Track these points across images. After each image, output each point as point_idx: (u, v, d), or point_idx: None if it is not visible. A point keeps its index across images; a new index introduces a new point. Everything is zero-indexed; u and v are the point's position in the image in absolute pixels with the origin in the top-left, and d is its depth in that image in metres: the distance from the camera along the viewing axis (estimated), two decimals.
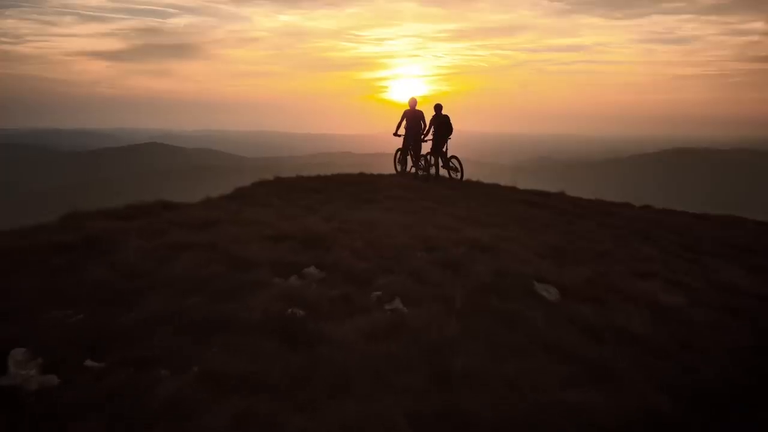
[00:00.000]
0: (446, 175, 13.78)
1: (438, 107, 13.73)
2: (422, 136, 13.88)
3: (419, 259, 5.22)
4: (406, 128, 13.88)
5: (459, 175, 13.69)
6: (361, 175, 13.46)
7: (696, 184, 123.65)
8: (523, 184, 14.32)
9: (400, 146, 14.22)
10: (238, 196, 9.27)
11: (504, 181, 14.73)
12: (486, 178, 14.77)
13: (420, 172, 13.98)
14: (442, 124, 13.68)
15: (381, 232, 6.13)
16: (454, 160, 13.78)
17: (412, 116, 13.87)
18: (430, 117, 13.79)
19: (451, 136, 13.81)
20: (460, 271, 4.95)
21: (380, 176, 13.57)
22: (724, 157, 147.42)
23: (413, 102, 13.91)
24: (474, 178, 14.21)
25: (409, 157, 14.21)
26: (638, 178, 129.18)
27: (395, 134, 14.03)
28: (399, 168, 14.41)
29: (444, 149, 13.74)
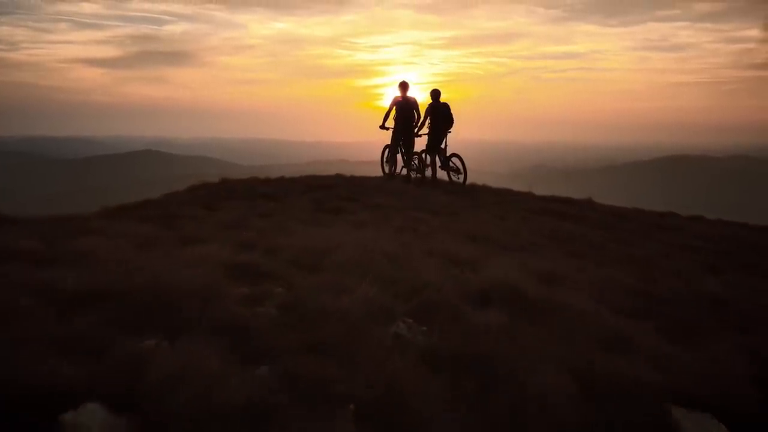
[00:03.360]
0: (445, 177, 10.91)
1: (435, 93, 10.85)
2: (415, 130, 10.94)
3: (396, 353, 2.26)
4: (396, 120, 10.88)
5: (461, 177, 10.80)
6: (338, 176, 10.55)
7: (691, 192, 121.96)
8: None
9: (389, 142, 11.23)
10: (144, 206, 6.34)
11: (511, 187, 11.79)
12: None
13: (413, 174, 11.07)
14: (441, 115, 10.82)
15: (329, 274, 3.19)
16: (455, 160, 10.91)
17: (403, 105, 10.85)
18: (426, 106, 10.88)
19: (451, 129, 10.93)
20: (499, 390, 2.02)
21: (362, 178, 10.67)
22: (720, 164, 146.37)
23: (405, 87, 10.91)
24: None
25: (399, 156, 11.22)
26: (634, 185, 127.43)
27: (382, 127, 11.04)
28: (387, 169, 11.43)
29: (443, 145, 10.88)
